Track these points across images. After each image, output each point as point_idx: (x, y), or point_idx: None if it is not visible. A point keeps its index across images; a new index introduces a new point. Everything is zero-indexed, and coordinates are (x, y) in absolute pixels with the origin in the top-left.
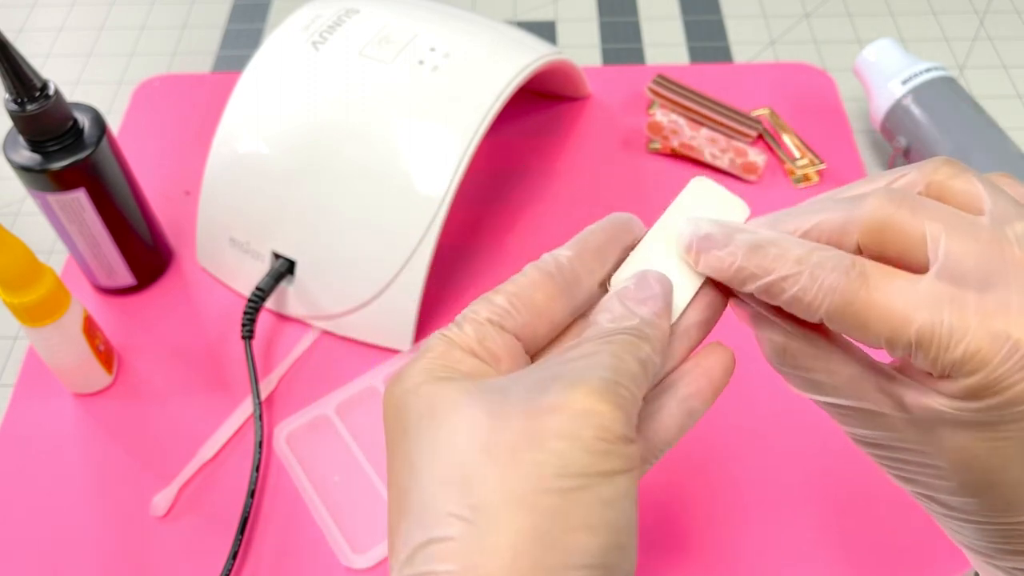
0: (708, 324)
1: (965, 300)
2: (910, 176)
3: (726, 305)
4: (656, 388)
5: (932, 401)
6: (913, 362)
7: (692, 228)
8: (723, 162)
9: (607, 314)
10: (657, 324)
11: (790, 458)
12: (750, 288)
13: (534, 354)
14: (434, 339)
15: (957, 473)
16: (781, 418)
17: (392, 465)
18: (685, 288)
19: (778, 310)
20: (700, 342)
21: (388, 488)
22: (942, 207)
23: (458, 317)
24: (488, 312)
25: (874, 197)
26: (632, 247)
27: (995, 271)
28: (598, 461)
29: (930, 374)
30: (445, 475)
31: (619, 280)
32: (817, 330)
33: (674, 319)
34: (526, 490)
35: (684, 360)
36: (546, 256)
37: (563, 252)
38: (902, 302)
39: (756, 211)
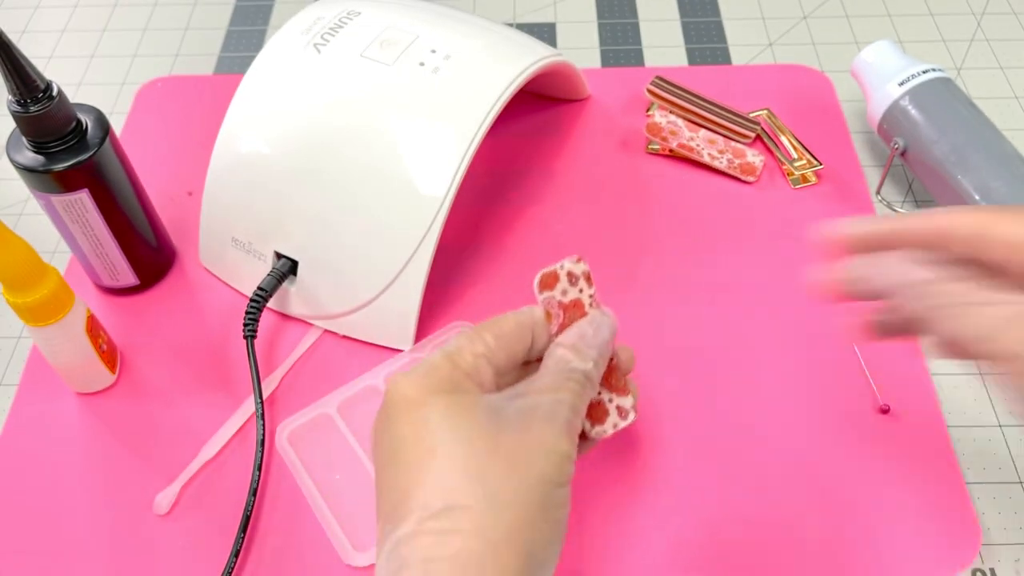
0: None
1: None
2: None
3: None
4: None
5: None
6: None
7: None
8: (721, 163)
9: (564, 354)
10: (600, 364)
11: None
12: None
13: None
14: (441, 358)
15: None
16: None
17: (403, 444)
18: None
19: None
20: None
21: (388, 462)
22: None
23: (458, 344)
24: (483, 349)
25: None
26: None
27: None
28: (560, 475)
29: None
30: (463, 464)
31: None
32: None
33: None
34: (522, 486)
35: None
36: (526, 311)
37: (541, 315)
38: None
39: (755, 210)
